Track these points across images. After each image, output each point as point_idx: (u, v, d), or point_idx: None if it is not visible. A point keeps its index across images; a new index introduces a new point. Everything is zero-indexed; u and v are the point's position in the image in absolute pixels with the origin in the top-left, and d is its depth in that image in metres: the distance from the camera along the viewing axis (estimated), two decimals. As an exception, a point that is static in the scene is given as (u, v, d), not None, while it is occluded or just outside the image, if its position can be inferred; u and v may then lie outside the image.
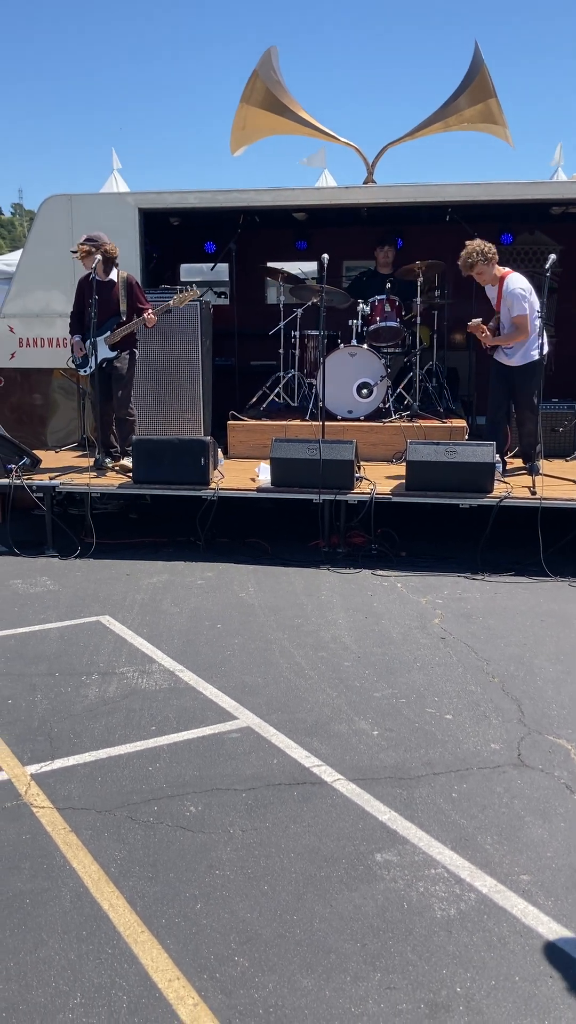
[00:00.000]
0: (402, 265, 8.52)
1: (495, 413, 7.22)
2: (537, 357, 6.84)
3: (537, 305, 6.82)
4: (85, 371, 7.38)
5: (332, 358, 7.97)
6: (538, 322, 6.81)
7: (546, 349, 6.90)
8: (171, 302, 7.40)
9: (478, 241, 6.86)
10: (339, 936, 2.64)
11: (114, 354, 7.23)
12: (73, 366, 7.61)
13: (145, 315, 7.12)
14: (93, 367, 7.22)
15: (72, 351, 7.44)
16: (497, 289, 6.91)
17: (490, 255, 6.82)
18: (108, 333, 7.17)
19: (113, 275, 7.21)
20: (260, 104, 9.19)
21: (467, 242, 6.87)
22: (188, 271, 10.46)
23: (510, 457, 7.41)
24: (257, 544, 7.06)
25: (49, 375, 8.66)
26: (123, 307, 7.19)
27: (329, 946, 2.60)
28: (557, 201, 8.25)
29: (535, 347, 6.82)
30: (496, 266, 6.89)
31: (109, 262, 7.16)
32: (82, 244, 7.09)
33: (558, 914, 2.72)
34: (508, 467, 7.21)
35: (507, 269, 6.95)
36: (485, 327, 6.89)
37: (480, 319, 6.95)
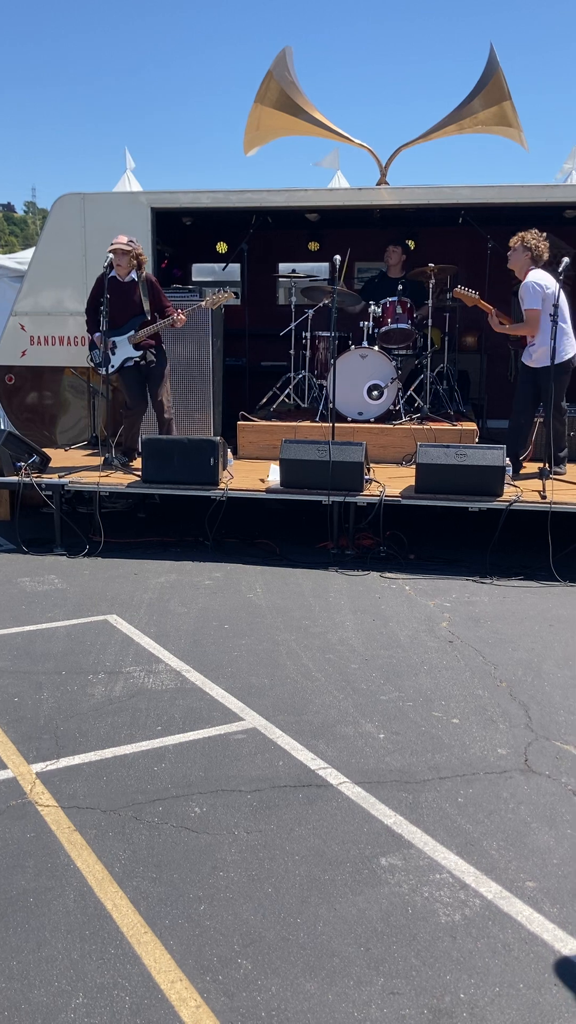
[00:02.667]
0: (413, 267, 8.51)
1: (519, 416, 7.18)
2: (567, 358, 6.81)
3: (564, 305, 6.75)
4: (104, 371, 7.28)
5: (343, 360, 7.96)
6: (567, 325, 6.76)
7: (573, 352, 6.85)
8: (203, 303, 7.38)
9: (534, 232, 6.89)
10: (343, 940, 2.63)
11: (139, 353, 7.22)
12: (93, 364, 7.50)
13: (175, 316, 7.10)
14: (115, 367, 7.19)
15: (94, 347, 7.31)
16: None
17: (532, 248, 6.80)
18: (132, 332, 7.16)
19: (133, 275, 7.21)
20: (274, 104, 9.19)
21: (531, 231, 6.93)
22: (200, 271, 10.47)
23: (524, 460, 7.35)
24: (265, 545, 7.05)
25: (60, 373, 8.67)
26: (146, 307, 7.18)
27: (333, 950, 2.59)
28: (571, 204, 8.22)
29: (559, 349, 6.77)
30: (531, 264, 6.85)
31: (138, 264, 7.18)
32: (128, 245, 7.09)
33: (563, 921, 2.71)
34: (522, 471, 7.17)
35: (534, 267, 6.90)
36: (487, 305, 6.89)
37: (473, 291, 6.96)
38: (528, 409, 7.12)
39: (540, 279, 6.80)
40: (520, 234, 6.90)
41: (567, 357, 6.83)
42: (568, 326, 6.83)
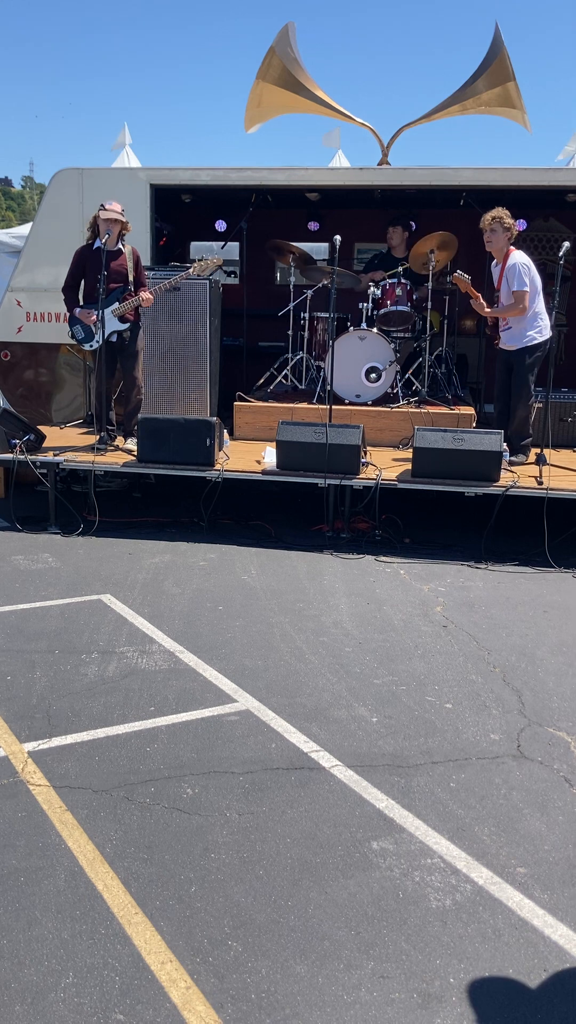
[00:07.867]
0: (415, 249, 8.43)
1: (500, 401, 7.17)
2: (538, 340, 6.80)
3: (539, 285, 6.80)
4: (91, 345, 7.20)
5: (341, 341, 7.91)
6: (541, 304, 6.78)
7: (548, 334, 6.85)
8: (192, 268, 7.31)
9: (502, 209, 6.87)
10: (333, 923, 2.63)
11: (125, 326, 7.14)
12: (75, 340, 7.35)
13: (142, 294, 7.04)
14: (101, 340, 7.10)
15: (78, 322, 7.16)
16: (501, 266, 6.89)
17: (507, 225, 6.81)
18: (116, 304, 7.06)
19: (120, 245, 7.13)
20: (276, 81, 9.08)
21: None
22: (198, 249, 10.37)
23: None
24: (261, 527, 7.03)
25: (56, 350, 8.60)
26: (131, 276, 7.13)
27: (323, 933, 2.59)
28: (573, 188, 8.15)
29: (534, 329, 6.79)
30: (509, 244, 6.87)
31: (122, 232, 7.12)
32: (122, 214, 7.01)
33: (553, 907, 2.71)
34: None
35: (513, 247, 6.92)
36: (476, 293, 6.87)
37: (467, 276, 6.91)
38: (506, 392, 7.11)
39: (526, 260, 6.85)
40: (491, 214, 6.85)
41: (539, 340, 6.82)
42: (542, 308, 6.84)
